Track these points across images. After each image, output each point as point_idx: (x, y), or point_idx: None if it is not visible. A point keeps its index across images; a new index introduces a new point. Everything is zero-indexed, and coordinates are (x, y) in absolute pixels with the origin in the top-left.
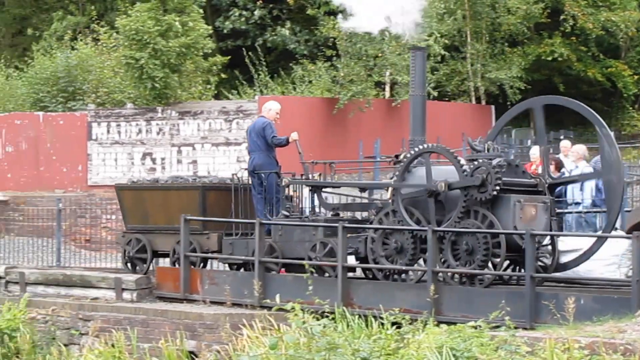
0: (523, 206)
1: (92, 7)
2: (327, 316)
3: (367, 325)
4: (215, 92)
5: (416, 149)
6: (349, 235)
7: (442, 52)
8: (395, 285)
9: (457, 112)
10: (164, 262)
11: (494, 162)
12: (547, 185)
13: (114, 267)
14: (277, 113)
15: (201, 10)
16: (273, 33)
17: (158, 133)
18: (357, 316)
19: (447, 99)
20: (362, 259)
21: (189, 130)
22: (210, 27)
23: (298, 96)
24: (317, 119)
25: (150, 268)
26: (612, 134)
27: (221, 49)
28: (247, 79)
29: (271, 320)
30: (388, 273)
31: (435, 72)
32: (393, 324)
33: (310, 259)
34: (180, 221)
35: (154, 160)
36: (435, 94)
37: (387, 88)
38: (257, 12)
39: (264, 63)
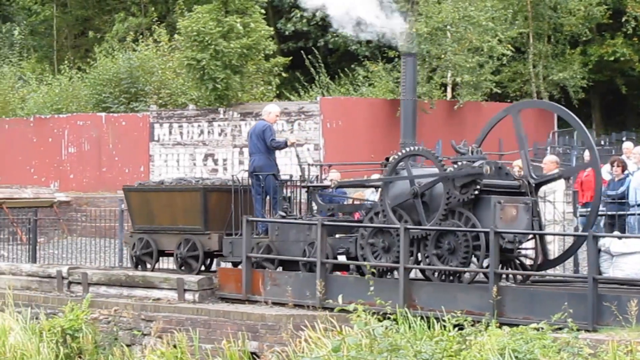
0: (503, 207)
1: (153, 9)
2: (388, 317)
3: (429, 327)
4: (277, 93)
5: (402, 152)
6: (340, 235)
7: (508, 52)
8: (457, 287)
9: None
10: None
11: (476, 165)
12: (534, 185)
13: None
14: (277, 116)
15: (263, 11)
16: (334, 34)
17: (220, 134)
18: (419, 317)
19: (509, 100)
20: (353, 258)
21: None
22: (271, 29)
23: (360, 97)
24: (380, 120)
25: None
26: (591, 137)
27: (282, 50)
28: (308, 80)
29: (333, 321)
30: (382, 270)
31: (498, 74)
32: (455, 325)
33: (307, 257)
34: (183, 221)
35: (215, 161)
36: (498, 89)
37: (449, 89)
38: (318, 14)
39: (325, 64)
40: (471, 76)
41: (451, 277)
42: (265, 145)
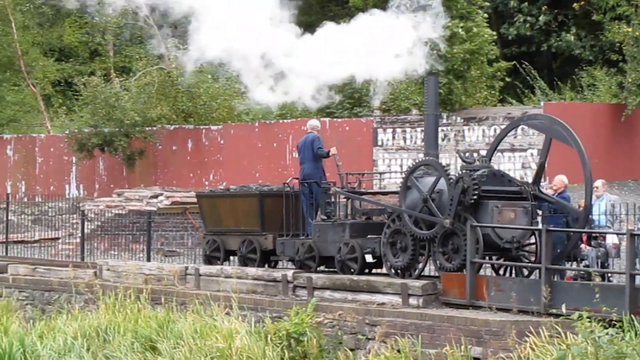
0: (501, 210)
1: None
2: (614, 325)
3: None
4: (500, 97)
5: (414, 162)
6: (369, 236)
7: None
8: None
9: None
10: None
11: (477, 173)
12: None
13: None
14: (318, 129)
15: (486, 16)
16: (558, 39)
17: (443, 139)
18: None
19: None
20: (379, 257)
21: (474, 136)
22: (494, 33)
23: (583, 102)
24: (603, 125)
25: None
26: (586, 155)
27: (505, 55)
28: (531, 84)
29: (558, 328)
30: (400, 269)
31: None
32: None
33: (340, 257)
34: (244, 224)
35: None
36: None
37: None
38: (541, 18)
39: (549, 69)
40: None
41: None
42: (313, 154)
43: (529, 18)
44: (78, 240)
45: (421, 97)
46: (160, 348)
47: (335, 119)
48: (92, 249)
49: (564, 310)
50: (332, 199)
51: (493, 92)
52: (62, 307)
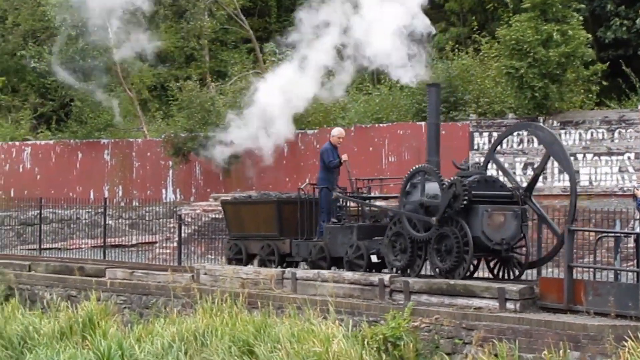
0: (491, 214)
1: (473, 18)
2: None
3: None
4: (597, 101)
5: (412, 169)
6: (374, 238)
7: None
8: None
9: None
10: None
11: (469, 179)
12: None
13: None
14: (340, 138)
15: (581, 19)
16: None
17: (539, 143)
18: None
19: None
20: (383, 258)
21: (570, 140)
22: (590, 36)
23: None
24: None
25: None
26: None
27: (602, 58)
28: (629, 87)
29: None
30: (400, 268)
31: None
32: None
33: (348, 257)
34: (264, 229)
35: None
36: None
37: None
38: (638, 21)
39: None
40: None
41: (447, 274)
42: (324, 163)
43: (625, 21)
44: (175, 244)
45: (517, 100)
46: (257, 352)
47: None
48: (189, 253)
49: None
50: (343, 204)
51: (590, 95)
52: (159, 311)
